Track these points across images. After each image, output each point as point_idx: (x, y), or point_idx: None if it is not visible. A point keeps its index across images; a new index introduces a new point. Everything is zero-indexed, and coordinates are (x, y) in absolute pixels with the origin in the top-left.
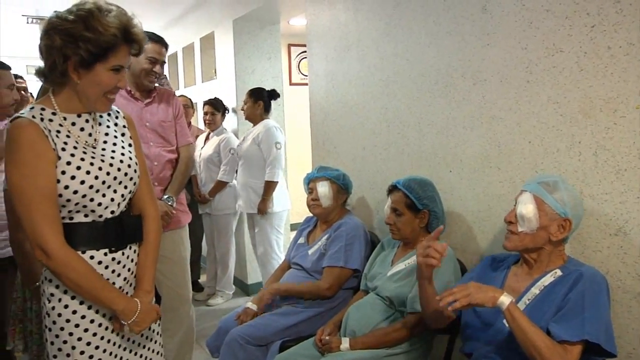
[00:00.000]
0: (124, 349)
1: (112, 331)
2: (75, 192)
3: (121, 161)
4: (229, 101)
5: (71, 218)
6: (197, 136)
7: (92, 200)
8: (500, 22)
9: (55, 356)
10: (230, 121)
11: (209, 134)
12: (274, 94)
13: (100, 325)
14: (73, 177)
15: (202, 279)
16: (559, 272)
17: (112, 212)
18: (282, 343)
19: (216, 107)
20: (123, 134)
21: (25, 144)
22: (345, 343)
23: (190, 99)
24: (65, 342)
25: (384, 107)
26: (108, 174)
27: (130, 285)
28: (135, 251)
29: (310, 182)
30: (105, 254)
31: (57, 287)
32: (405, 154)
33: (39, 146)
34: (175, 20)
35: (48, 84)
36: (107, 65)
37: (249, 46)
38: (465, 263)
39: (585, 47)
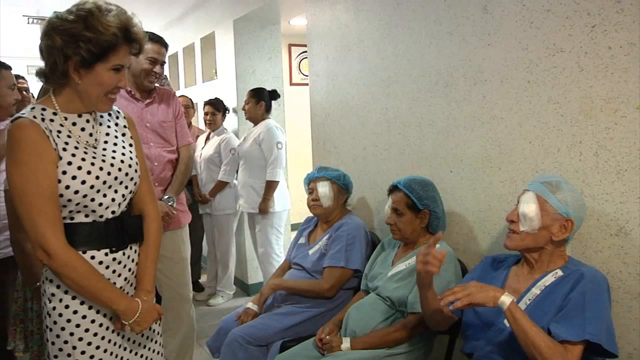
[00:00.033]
0: (125, 349)
1: (113, 331)
2: (76, 192)
3: (122, 161)
4: (230, 101)
5: (72, 218)
6: (197, 136)
7: (93, 200)
8: (501, 22)
9: (56, 356)
10: (230, 121)
11: (209, 134)
12: (274, 94)
13: (101, 325)
14: (74, 177)
15: (203, 279)
16: (559, 273)
17: (113, 212)
18: (282, 343)
19: (217, 107)
20: (124, 134)
21: (26, 144)
22: (346, 343)
23: (190, 99)
24: (66, 342)
25: (385, 107)
26: (109, 174)
27: (131, 285)
28: (135, 251)
29: (310, 182)
30: (106, 254)
31: (58, 287)
32: (405, 154)
33: (40, 146)
34: (175, 20)
35: (49, 85)
36: (107, 65)
37: (249, 46)
38: (466, 263)
39: (585, 47)
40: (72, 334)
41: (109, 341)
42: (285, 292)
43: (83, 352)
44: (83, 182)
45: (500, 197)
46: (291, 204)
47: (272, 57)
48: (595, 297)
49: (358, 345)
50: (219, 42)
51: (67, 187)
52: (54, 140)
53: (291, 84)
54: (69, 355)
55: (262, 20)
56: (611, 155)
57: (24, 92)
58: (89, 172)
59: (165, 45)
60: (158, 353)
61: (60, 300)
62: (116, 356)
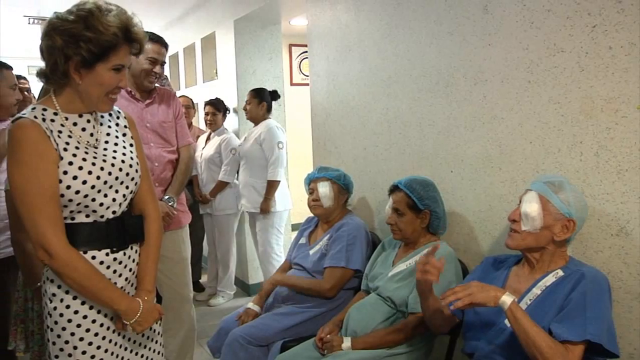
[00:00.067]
0: (125, 349)
1: (114, 331)
2: (77, 192)
3: (122, 161)
4: (230, 101)
5: (73, 218)
6: (198, 136)
7: (93, 200)
8: (502, 22)
9: (57, 356)
10: (231, 121)
11: (210, 134)
12: (275, 95)
13: (101, 325)
14: (75, 177)
15: (203, 279)
16: (560, 273)
17: (114, 212)
18: (283, 343)
19: (217, 107)
20: (124, 134)
21: (27, 144)
22: (347, 342)
23: (191, 99)
24: (67, 342)
25: (385, 108)
26: (110, 174)
27: (132, 285)
28: (136, 251)
29: (311, 182)
30: (107, 254)
31: (59, 287)
32: (406, 154)
33: (41, 146)
34: (176, 20)
35: (49, 85)
36: (108, 65)
37: (250, 46)
38: (467, 263)
39: (586, 47)
40: (73, 334)
41: (110, 341)
42: (286, 293)
43: (84, 352)
44: (84, 182)
45: (501, 197)
46: (292, 204)
47: (273, 57)
48: (596, 297)
49: (359, 345)
50: (220, 42)
51: (68, 187)
52: (54, 141)
53: (292, 84)
54: (69, 355)
55: (263, 20)
56: (612, 156)
57: (26, 93)
58: (90, 172)
59: (165, 45)
60: (159, 353)
61: (61, 301)
62: (117, 356)
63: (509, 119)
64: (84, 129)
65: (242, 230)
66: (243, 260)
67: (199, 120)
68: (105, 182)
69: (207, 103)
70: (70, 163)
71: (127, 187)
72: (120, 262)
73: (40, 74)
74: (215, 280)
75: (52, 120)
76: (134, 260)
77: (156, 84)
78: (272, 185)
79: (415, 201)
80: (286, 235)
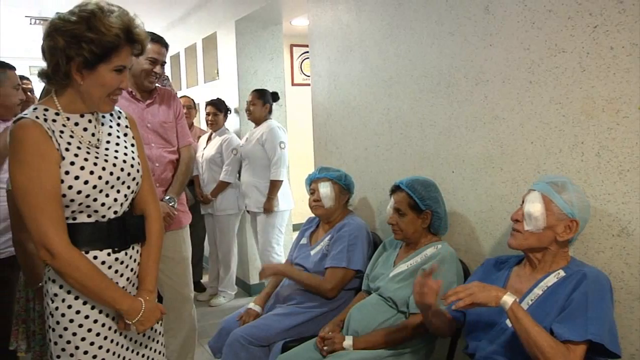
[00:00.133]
0: (127, 349)
1: (115, 331)
2: (79, 192)
3: (124, 161)
4: (231, 102)
5: (74, 218)
6: (199, 137)
7: (95, 200)
8: (503, 22)
9: (58, 356)
10: (232, 121)
11: (211, 134)
12: (275, 96)
13: (103, 325)
14: (77, 177)
15: (205, 279)
16: (562, 273)
17: (115, 212)
18: (284, 344)
19: (218, 107)
20: (125, 134)
21: (29, 144)
22: (348, 340)
23: (192, 100)
24: (68, 342)
25: (386, 108)
26: (111, 174)
27: (133, 285)
28: (137, 251)
29: (312, 182)
30: (109, 254)
31: (60, 287)
32: (407, 154)
33: (42, 146)
34: (177, 20)
35: (51, 85)
36: (110, 66)
37: (251, 47)
38: (468, 263)
39: (587, 48)
40: (74, 334)
41: (112, 341)
42: (287, 293)
43: (86, 352)
44: (86, 182)
45: (502, 198)
46: (294, 204)
47: (274, 58)
48: (598, 297)
49: (360, 344)
50: (221, 43)
51: (70, 187)
52: (56, 141)
53: (293, 84)
54: (71, 355)
55: (264, 20)
56: (613, 156)
57: (28, 93)
58: (91, 172)
59: (165, 45)
60: (160, 353)
61: (63, 300)
62: (118, 356)
63: (510, 119)
64: (85, 129)
65: (243, 230)
66: (244, 261)
67: (200, 120)
68: (107, 182)
69: (209, 103)
70: (72, 163)
71: (128, 187)
72: (121, 262)
73: (42, 75)
74: (216, 281)
75: (54, 121)
76: (135, 260)
77: (157, 84)
78: (275, 185)
79: (417, 201)
80: (287, 235)
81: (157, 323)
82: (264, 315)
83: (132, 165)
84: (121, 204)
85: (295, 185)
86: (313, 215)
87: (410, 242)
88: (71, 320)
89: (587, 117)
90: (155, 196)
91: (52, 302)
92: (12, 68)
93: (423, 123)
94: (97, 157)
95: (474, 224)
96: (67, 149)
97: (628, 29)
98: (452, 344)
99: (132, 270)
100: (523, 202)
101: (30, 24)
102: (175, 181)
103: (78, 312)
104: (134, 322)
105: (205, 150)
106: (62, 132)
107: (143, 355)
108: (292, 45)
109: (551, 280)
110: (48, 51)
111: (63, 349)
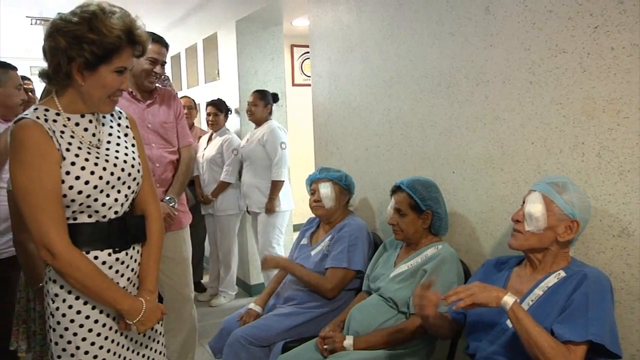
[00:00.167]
0: (127, 349)
1: (116, 331)
2: (80, 192)
3: (125, 161)
4: (232, 102)
5: (75, 218)
6: (199, 137)
7: (96, 200)
8: (503, 23)
9: (59, 356)
10: (232, 122)
11: (211, 134)
12: (275, 97)
13: (104, 325)
14: (77, 177)
15: (205, 279)
16: (562, 274)
17: (116, 212)
18: (284, 344)
19: (219, 108)
20: (126, 134)
21: (30, 144)
22: (349, 340)
23: (193, 100)
24: (69, 342)
25: (387, 108)
26: (112, 174)
27: (134, 285)
28: (138, 251)
29: (312, 183)
30: (109, 255)
31: (61, 287)
32: (408, 155)
33: (43, 147)
34: (178, 21)
35: (52, 86)
36: (111, 67)
37: (251, 47)
38: (468, 264)
39: (588, 48)
40: (75, 334)
41: (112, 341)
42: (287, 294)
43: (86, 352)
44: (86, 182)
45: (503, 198)
46: (294, 204)
47: (275, 58)
48: (599, 297)
49: (360, 344)
50: (222, 43)
51: (71, 187)
52: (57, 141)
53: (293, 84)
54: (72, 355)
55: (265, 21)
56: (614, 156)
57: (30, 94)
58: (92, 172)
59: (165, 45)
60: (160, 353)
61: (64, 301)
62: (119, 356)
63: (511, 119)
64: (86, 129)
65: (243, 230)
66: (245, 261)
67: (201, 120)
68: (108, 182)
69: (209, 104)
70: (73, 163)
71: (129, 187)
72: (122, 262)
73: (43, 75)
74: (216, 281)
75: (55, 121)
76: (135, 260)
77: (157, 85)
78: (276, 185)
79: (418, 202)
80: (287, 235)
81: (158, 323)
82: (264, 315)
83: (132, 166)
84: (122, 204)
85: (296, 185)
86: (313, 215)
87: (410, 243)
88: (72, 321)
89: (587, 117)
90: (155, 196)
91: (53, 302)
92: (14, 68)
93: (424, 123)
94: (97, 158)
95: (474, 225)
96: (67, 149)
97: (629, 29)
98: (452, 345)
99: (132, 270)
100: (524, 202)
101: (31, 24)
102: (175, 181)
103: (79, 312)
104: (135, 322)
105: (206, 150)
106: (62, 132)
107: (143, 356)
108: (292, 46)
109: (552, 280)
110: (49, 52)
111: (64, 349)
